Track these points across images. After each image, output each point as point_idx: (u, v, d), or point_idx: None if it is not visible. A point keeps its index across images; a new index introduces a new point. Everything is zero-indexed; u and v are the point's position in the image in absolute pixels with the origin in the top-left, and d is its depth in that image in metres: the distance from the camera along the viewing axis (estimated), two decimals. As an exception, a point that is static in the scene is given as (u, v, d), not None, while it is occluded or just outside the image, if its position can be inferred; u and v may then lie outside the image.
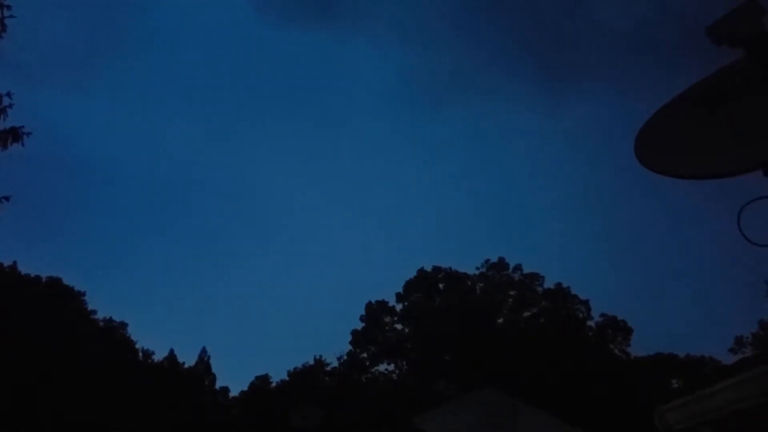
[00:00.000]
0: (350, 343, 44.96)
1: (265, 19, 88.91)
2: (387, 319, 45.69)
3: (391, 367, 44.88)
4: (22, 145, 16.08)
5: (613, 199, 71.52)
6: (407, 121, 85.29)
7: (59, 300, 39.30)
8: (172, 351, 45.84)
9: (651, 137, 2.86)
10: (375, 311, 45.78)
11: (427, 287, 45.79)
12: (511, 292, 45.16)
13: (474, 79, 79.43)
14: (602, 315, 43.27)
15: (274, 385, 47.57)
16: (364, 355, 44.97)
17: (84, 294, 42.25)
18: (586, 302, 43.28)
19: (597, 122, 79.33)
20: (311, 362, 46.93)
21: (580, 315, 43.58)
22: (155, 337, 59.43)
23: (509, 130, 78.37)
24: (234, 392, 48.44)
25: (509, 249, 61.76)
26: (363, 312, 45.87)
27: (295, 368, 46.85)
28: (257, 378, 47.83)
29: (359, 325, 45.61)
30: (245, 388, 48.24)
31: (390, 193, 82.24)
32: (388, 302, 45.75)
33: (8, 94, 16.12)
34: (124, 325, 44.64)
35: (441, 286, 45.76)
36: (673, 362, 41.93)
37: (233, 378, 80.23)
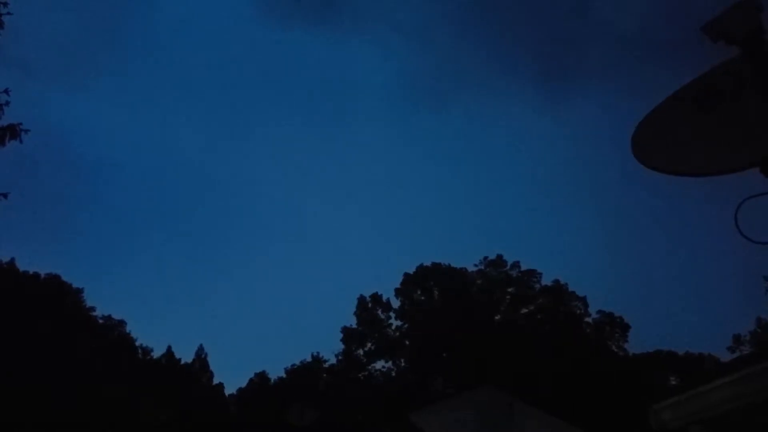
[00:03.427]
0: (341, 340, 44.95)
1: (267, 20, 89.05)
2: (383, 315, 45.66)
3: (389, 364, 44.92)
4: (20, 141, 16.03)
5: (611, 197, 71.65)
6: (408, 120, 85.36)
7: (58, 296, 39.26)
8: (169, 348, 45.97)
9: (647, 135, 2.86)
10: (368, 306, 45.71)
11: (426, 283, 45.80)
12: (509, 289, 45.19)
13: (475, 79, 79.53)
14: (600, 311, 43.39)
15: (271, 382, 47.62)
16: (360, 352, 44.95)
17: (82, 291, 42.29)
18: (583, 299, 43.38)
19: (596, 121, 79.43)
20: (309, 359, 46.99)
21: (578, 311, 43.64)
22: (154, 334, 59.54)
23: (510, 130, 78.56)
24: (232, 390, 48.58)
25: (507, 246, 61.65)
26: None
27: (292, 365, 46.91)
28: (256, 375, 47.94)
29: (353, 321, 45.61)
30: (243, 386, 48.37)
31: (390, 191, 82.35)
32: (381, 296, 45.69)
33: (5, 91, 16.04)
34: (122, 323, 44.73)
35: (440, 282, 45.75)
36: (671, 359, 42.02)
37: (231, 375, 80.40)
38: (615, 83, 78.93)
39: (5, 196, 15.62)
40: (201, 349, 47.21)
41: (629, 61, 76.96)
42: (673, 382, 38.21)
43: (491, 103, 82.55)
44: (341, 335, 45.01)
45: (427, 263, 45.96)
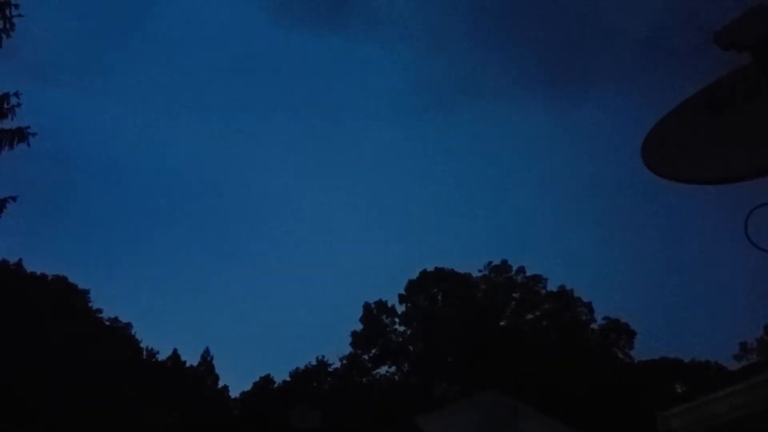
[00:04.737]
0: (350, 344, 45.06)
1: (277, 22, 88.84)
2: (387, 321, 45.69)
3: (393, 368, 44.91)
4: (28, 144, 16.21)
5: (618, 203, 71.35)
6: (415, 123, 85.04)
7: (64, 298, 39.42)
8: (175, 351, 46.03)
9: (658, 142, 2.86)
10: (373, 312, 45.77)
11: (430, 288, 45.77)
12: (514, 294, 45.09)
13: (484, 83, 79.24)
14: (605, 318, 43.22)
15: (276, 385, 47.59)
16: (365, 356, 44.99)
17: (88, 292, 42.42)
18: (589, 305, 43.22)
19: (604, 126, 79.08)
20: (314, 363, 47.01)
21: (584, 317, 43.50)
22: (159, 336, 59.45)
23: (517, 134, 78.33)
24: (237, 393, 48.53)
25: (512, 251, 61.44)
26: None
27: (297, 369, 46.92)
28: (261, 378, 47.91)
29: (360, 327, 45.73)
30: (247, 389, 48.34)
31: (395, 194, 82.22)
32: (386, 302, 45.75)
33: (16, 94, 16.23)
34: (129, 325, 44.84)
35: (444, 287, 45.73)
36: (677, 367, 41.78)
37: (236, 378, 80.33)
38: (625, 89, 78.54)
39: (14, 199, 15.78)
40: (207, 352, 47.25)
41: (640, 66, 76.65)
42: (679, 390, 38.06)
43: (501, 107, 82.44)
44: (349, 340, 45.21)
45: (431, 268, 45.98)
